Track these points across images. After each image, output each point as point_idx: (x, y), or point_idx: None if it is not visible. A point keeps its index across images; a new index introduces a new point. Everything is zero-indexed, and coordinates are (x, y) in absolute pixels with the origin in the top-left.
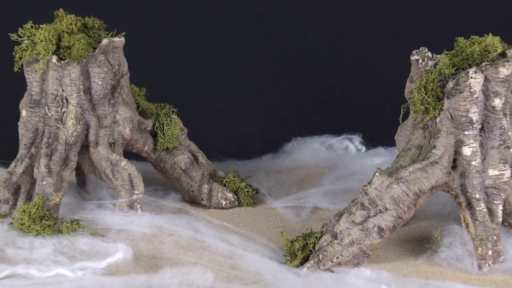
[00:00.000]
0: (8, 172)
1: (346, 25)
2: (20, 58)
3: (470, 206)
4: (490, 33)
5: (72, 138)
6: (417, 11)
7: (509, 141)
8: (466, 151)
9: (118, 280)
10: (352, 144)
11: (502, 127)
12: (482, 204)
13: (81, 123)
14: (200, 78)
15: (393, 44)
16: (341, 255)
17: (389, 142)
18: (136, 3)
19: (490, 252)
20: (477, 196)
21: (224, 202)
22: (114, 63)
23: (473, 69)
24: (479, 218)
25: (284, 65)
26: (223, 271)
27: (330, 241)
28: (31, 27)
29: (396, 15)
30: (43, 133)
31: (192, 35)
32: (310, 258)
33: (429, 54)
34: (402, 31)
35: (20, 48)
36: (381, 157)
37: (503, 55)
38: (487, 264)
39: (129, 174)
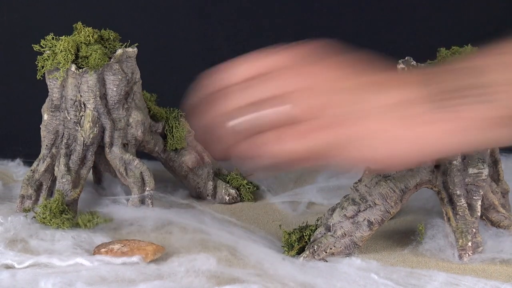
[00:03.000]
0: (31, 170)
1: (340, 34)
2: (42, 67)
3: (451, 201)
4: (469, 44)
5: (89, 140)
6: (403, 24)
7: None
8: None
9: (131, 268)
10: None
11: None
12: (463, 200)
13: (97, 125)
14: None
15: (381, 54)
16: (334, 246)
17: None
18: (148, 19)
19: (469, 244)
20: (458, 192)
21: (227, 198)
22: (128, 71)
23: None
24: (459, 213)
25: None
26: (226, 260)
27: (324, 233)
28: (52, 38)
29: (385, 28)
30: (63, 135)
31: (197, 48)
32: (305, 249)
33: (414, 63)
34: (390, 43)
35: (42, 58)
36: None
37: None
38: (467, 255)
39: (141, 172)
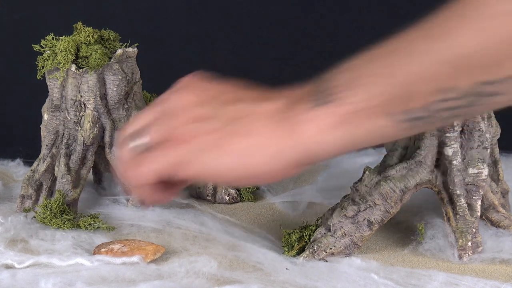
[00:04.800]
0: (31, 170)
1: (339, 37)
2: (42, 67)
3: (451, 201)
4: None
5: (89, 140)
6: (403, 24)
7: (486, 142)
8: (448, 151)
9: (131, 268)
10: None
11: (481, 130)
12: (463, 200)
13: (97, 126)
14: None
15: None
16: (334, 246)
17: None
18: (148, 19)
19: (469, 244)
20: (458, 192)
21: (227, 198)
22: (128, 71)
23: None
24: (459, 213)
25: (281, 77)
26: (226, 260)
27: (324, 233)
28: (52, 38)
29: (385, 28)
30: (63, 135)
31: (197, 47)
32: (305, 248)
33: None
34: None
35: (42, 58)
36: (370, 156)
37: None
38: (467, 254)
39: None
